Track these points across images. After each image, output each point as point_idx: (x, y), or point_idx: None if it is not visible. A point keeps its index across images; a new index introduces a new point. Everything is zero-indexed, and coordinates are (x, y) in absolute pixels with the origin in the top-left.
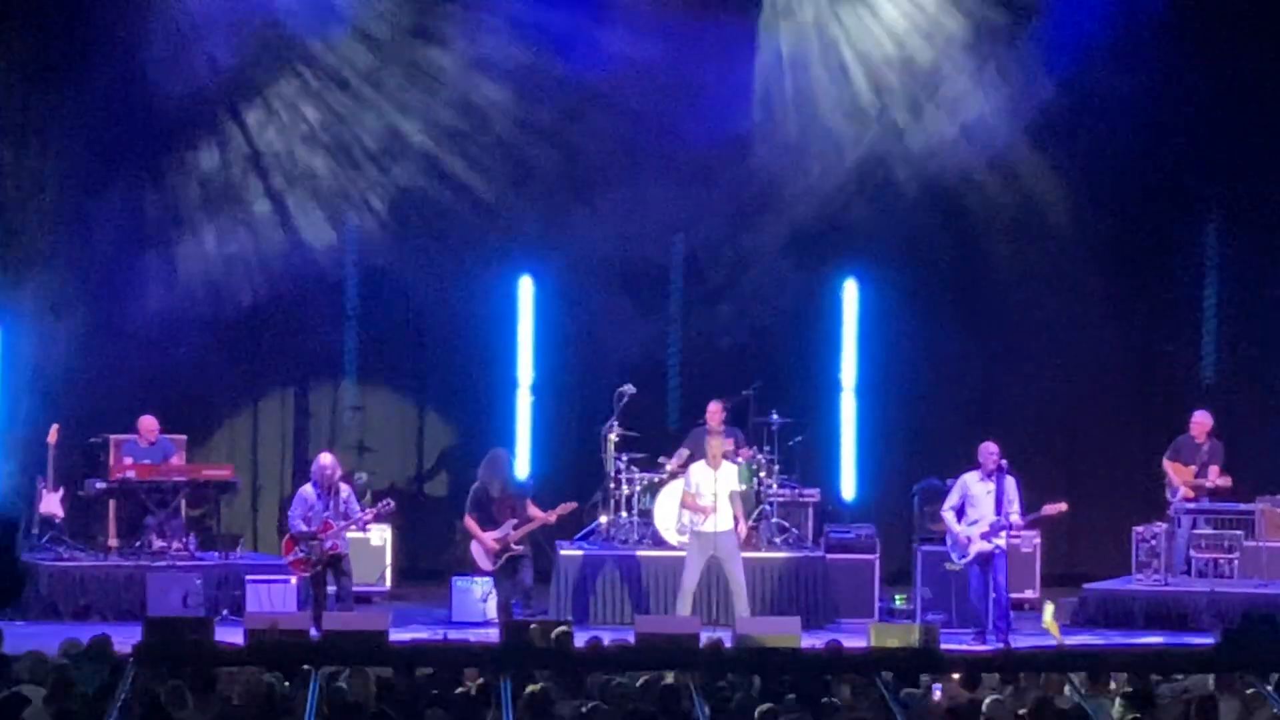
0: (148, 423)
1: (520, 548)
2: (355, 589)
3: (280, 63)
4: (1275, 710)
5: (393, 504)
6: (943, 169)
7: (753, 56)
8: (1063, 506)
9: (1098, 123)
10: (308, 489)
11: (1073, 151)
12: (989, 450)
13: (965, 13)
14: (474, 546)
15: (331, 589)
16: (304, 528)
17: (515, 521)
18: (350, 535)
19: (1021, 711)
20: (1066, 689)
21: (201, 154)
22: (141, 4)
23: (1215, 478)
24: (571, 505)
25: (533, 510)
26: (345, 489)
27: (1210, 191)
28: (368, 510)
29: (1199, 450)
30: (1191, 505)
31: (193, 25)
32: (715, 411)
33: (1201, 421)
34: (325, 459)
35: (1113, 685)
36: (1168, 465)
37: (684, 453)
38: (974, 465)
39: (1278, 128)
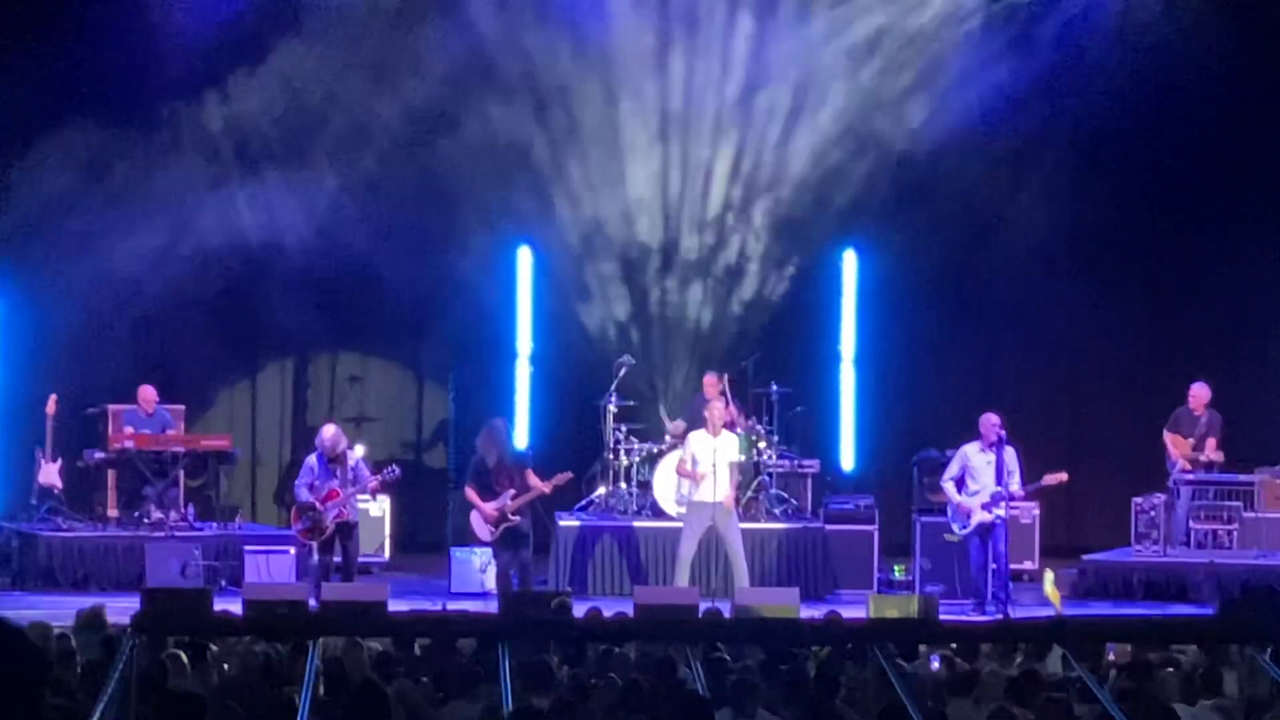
0: (147, 392)
1: (518, 518)
2: None
3: (271, 29)
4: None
5: (398, 470)
6: (943, 140)
7: (749, 23)
8: (1063, 476)
9: (1100, 96)
10: (312, 458)
11: (1076, 122)
12: (990, 421)
13: None
14: (473, 516)
15: (338, 559)
16: (308, 497)
17: (513, 492)
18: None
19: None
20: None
21: (197, 123)
22: None
23: (1211, 451)
24: (568, 475)
25: (531, 480)
26: (354, 456)
27: (1214, 166)
28: (374, 477)
29: (1197, 422)
30: (1191, 476)
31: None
32: (711, 383)
33: (1198, 393)
34: (328, 430)
35: (1111, 656)
36: (1167, 437)
37: (681, 423)
38: (974, 436)
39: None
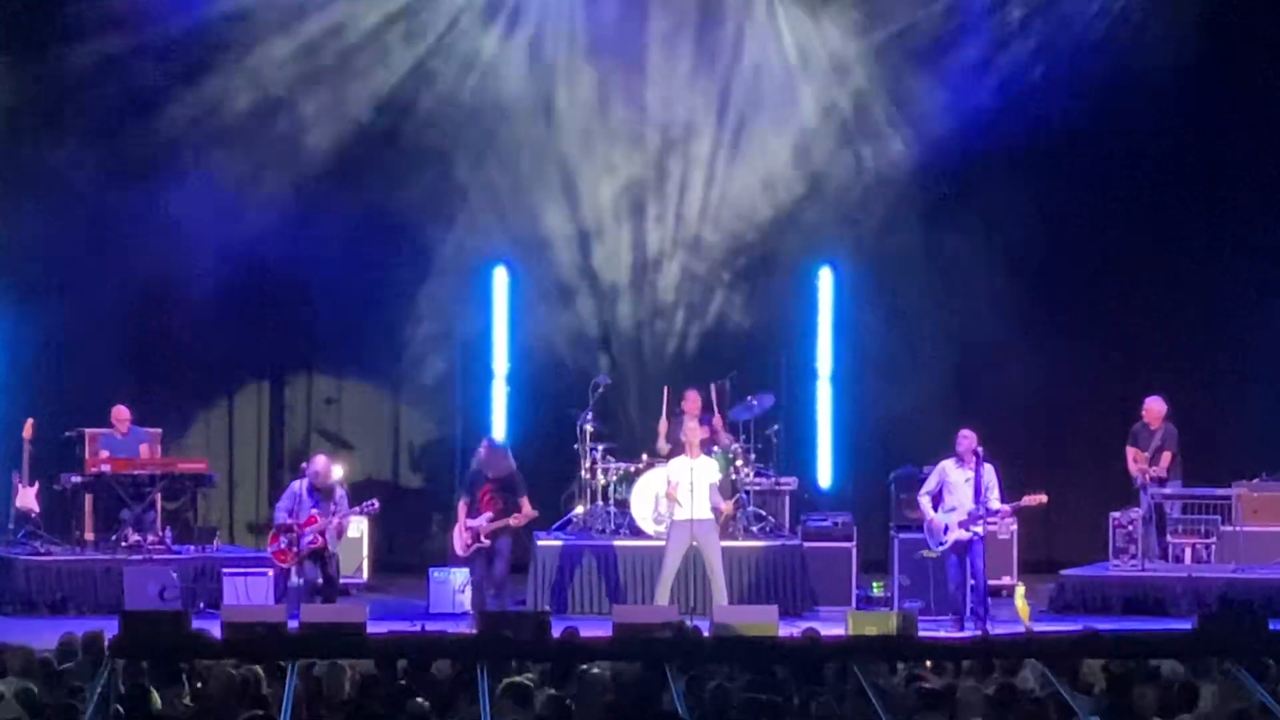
0: (120, 412)
1: (488, 541)
2: None
3: (243, 43)
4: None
5: (376, 504)
6: (917, 156)
7: (722, 40)
8: (1042, 498)
9: (1072, 107)
10: (299, 484)
11: (1050, 137)
12: (965, 437)
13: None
14: (455, 528)
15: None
16: (286, 519)
17: (490, 514)
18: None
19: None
20: (1029, 674)
21: (166, 142)
22: None
23: (1163, 465)
24: (533, 515)
25: (525, 506)
26: (340, 491)
27: (1188, 177)
28: (352, 510)
29: (1153, 436)
30: (1169, 490)
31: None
32: (693, 399)
33: (1151, 408)
34: (320, 461)
35: (1087, 670)
36: (1128, 452)
37: (665, 445)
38: (952, 452)
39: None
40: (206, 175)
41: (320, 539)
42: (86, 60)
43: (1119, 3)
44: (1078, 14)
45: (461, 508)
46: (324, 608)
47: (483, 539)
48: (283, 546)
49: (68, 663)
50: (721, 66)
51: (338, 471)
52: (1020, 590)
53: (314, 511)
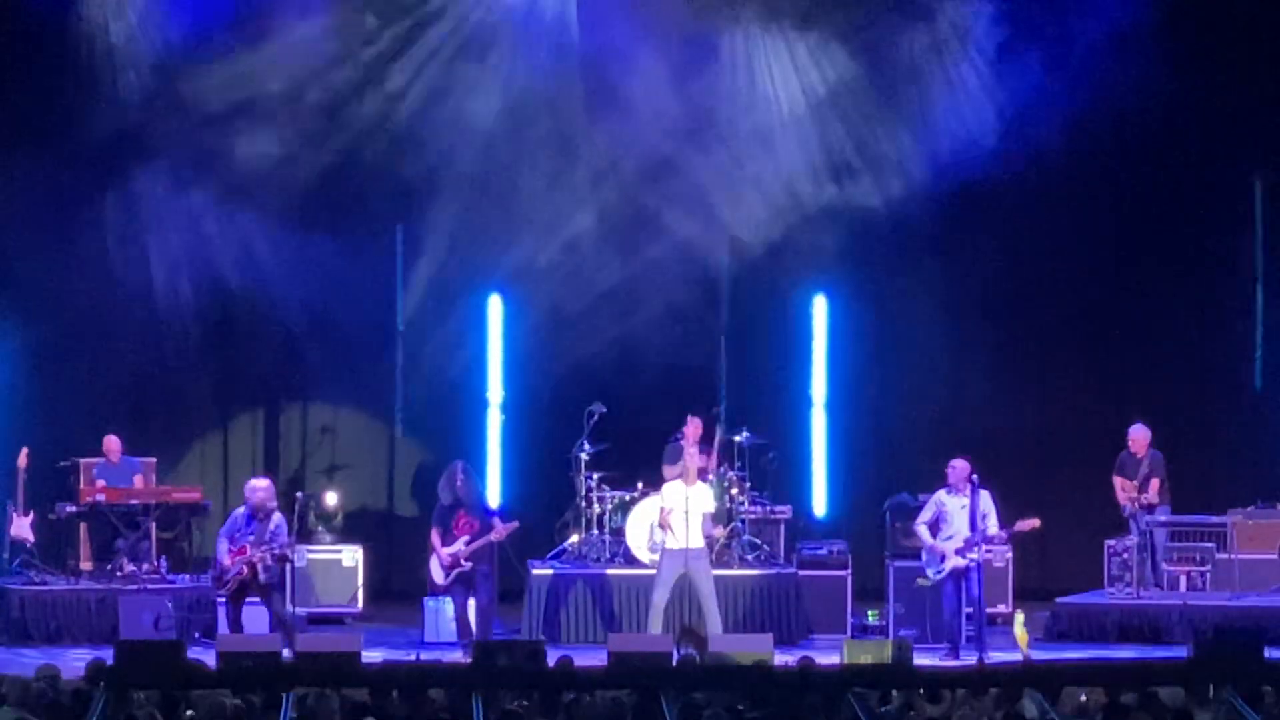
0: (111, 442)
1: (469, 564)
2: (326, 609)
3: (239, 75)
4: None
5: (289, 552)
6: (910, 186)
7: (714, 71)
8: (1035, 523)
9: (1067, 140)
10: (240, 510)
11: (1041, 170)
12: (956, 466)
13: (932, 28)
14: (432, 560)
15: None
16: (223, 546)
17: (467, 538)
18: (320, 557)
19: None
20: (1029, 702)
21: (162, 171)
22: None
23: (1152, 492)
24: (513, 525)
25: (497, 526)
26: (278, 518)
27: (1175, 206)
28: (287, 543)
29: (1139, 464)
30: (1163, 518)
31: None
32: (694, 426)
33: (1136, 436)
34: (256, 483)
35: (1084, 698)
36: (1115, 481)
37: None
38: (946, 481)
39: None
40: (201, 205)
41: (247, 571)
42: (79, 89)
43: (1100, 41)
44: (1059, 55)
45: (435, 538)
46: (318, 637)
47: (463, 562)
48: (214, 575)
49: (57, 693)
50: (714, 97)
51: (331, 496)
52: (1019, 618)
53: (249, 539)
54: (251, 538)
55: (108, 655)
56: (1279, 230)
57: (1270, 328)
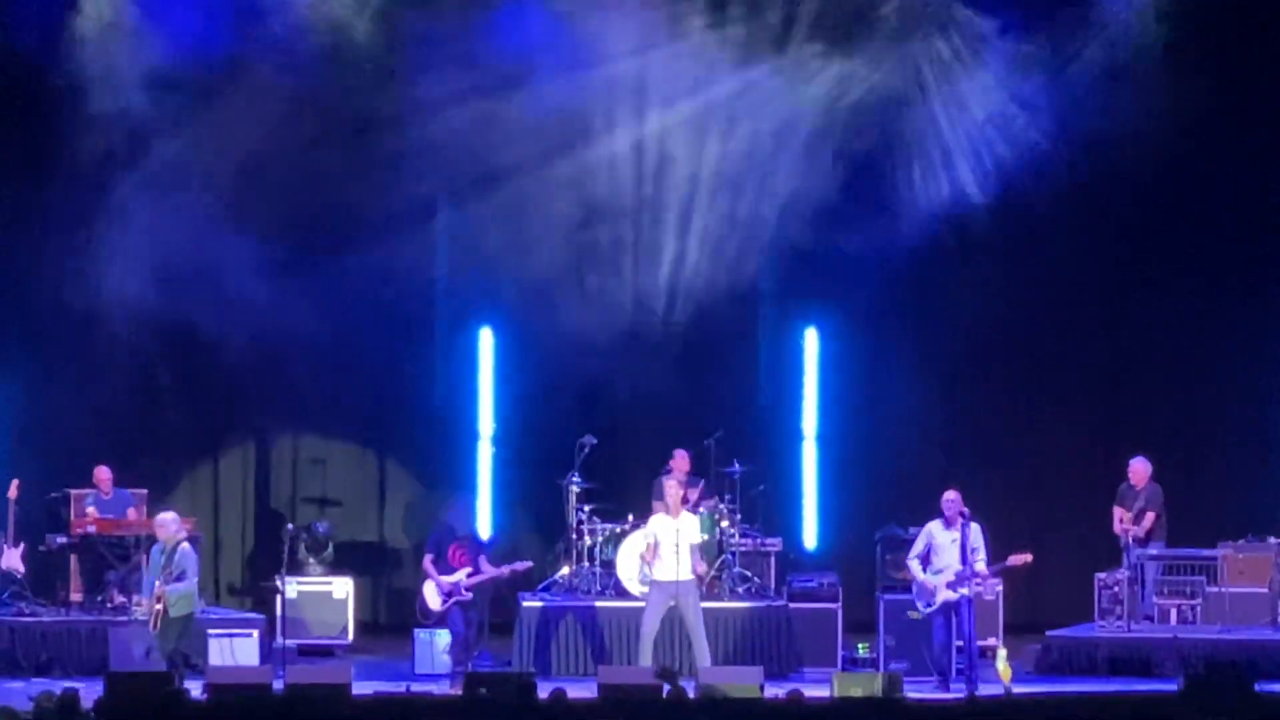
0: (102, 473)
1: (468, 595)
2: (317, 641)
3: (233, 103)
4: None
5: (156, 605)
6: (903, 217)
7: (711, 102)
8: (1028, 558)
9: (1061, 174)
10: (155, 548)
11: (1036, 204)
12: (949, 499)
13: (925, 58)
14: (426, 586)
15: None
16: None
17: (469, 569)
18: (312, 589)
19: None
20: None
21: (150, 202)
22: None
23: (1146, 524)
24: (527, 564)
25: (484, 565)
26: (183, 550)
27: (1172, 241)
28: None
29: (1137, 496)
30: (1154, 551)
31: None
32: (682, 459)
33: (1136, 468)
34: (162, 517)
35: None
36: (1115, 511)
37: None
38: (937, 514)
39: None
40: (191, 237)
41: (145, 603)
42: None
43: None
44: (1060, 91)
45: (429, 564)
46: (309, 668)
47: (463, 592)
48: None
49: None
50: (709, 128)
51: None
52: (1003, 653)
53: (160, 576)
54: (162, 575)
55: (93, 686)
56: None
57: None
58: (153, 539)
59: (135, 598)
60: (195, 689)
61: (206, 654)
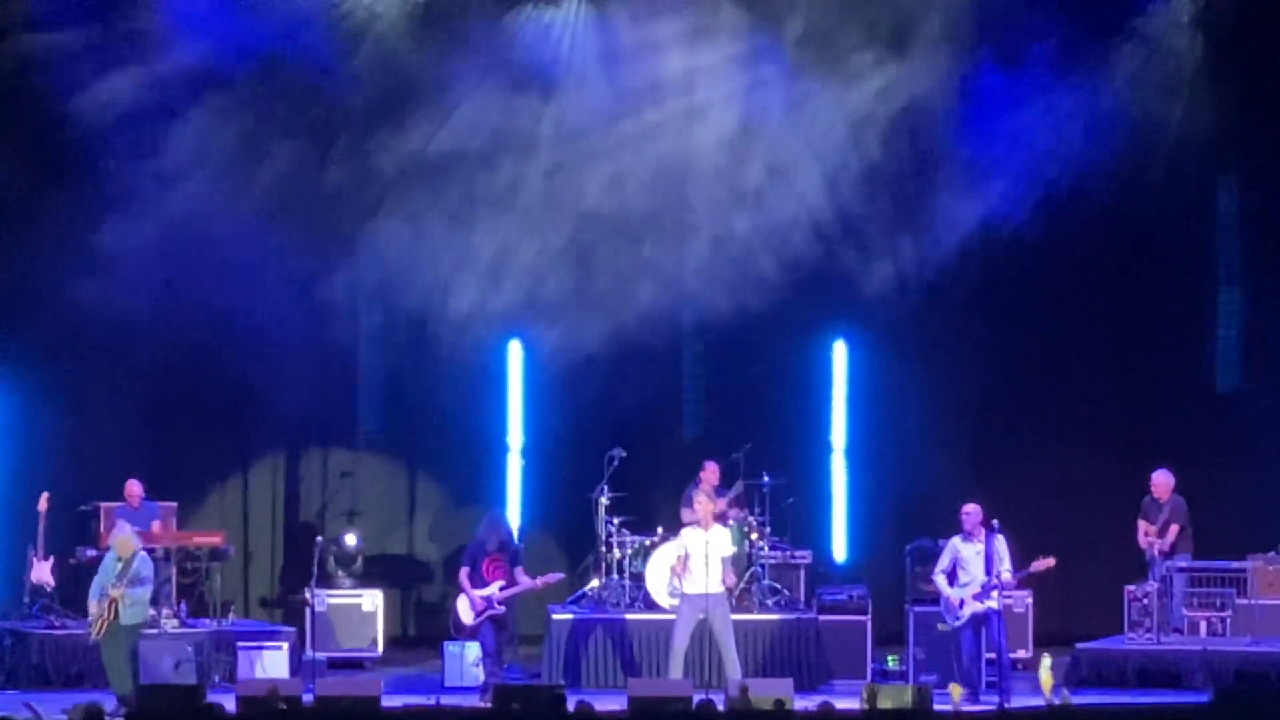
0: (132, 487)
1: (503, 608)
2: (346, 654)
3: (258, 114)
4: None
5: (107, 609)
6: (933, 230)
7: (739, 112)
8: (1051, 562)
9: (1088, 187)
10: (109, 555)
11: (1064, 215)
12: (968, 512)
13: (953, 71)
14: (459, 600)
15: None
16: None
17: (503, 582)
18: (341, 601)
19: None
20: None
21: (179, 215)
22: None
23: (1170, 537)
24: (559, 576)
25: (520, 576)
26: (144, 555)
27: (1199, 247)
28: (140, 583)
29: (1161, 509)
30: (1184, 564)
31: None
32: (713, 471)
33: (1159, 481)
34: (120, 531)
35: None
36: (1139, 525)
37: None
38: (961, 528)
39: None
40: (221, 252)
41: (109, 611)
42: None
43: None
44: (1096, 108)
45: (465, 578)
46: (338, 681)
47: (496, 605)
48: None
49: None
50: (738, 139)
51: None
52: (1046, 661)
53: (111, 582)
54: (118, 579)
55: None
56: None
57: None
58: (184, 550)
59: (164, 610)
60: (228, 702)
61: (236, 666)
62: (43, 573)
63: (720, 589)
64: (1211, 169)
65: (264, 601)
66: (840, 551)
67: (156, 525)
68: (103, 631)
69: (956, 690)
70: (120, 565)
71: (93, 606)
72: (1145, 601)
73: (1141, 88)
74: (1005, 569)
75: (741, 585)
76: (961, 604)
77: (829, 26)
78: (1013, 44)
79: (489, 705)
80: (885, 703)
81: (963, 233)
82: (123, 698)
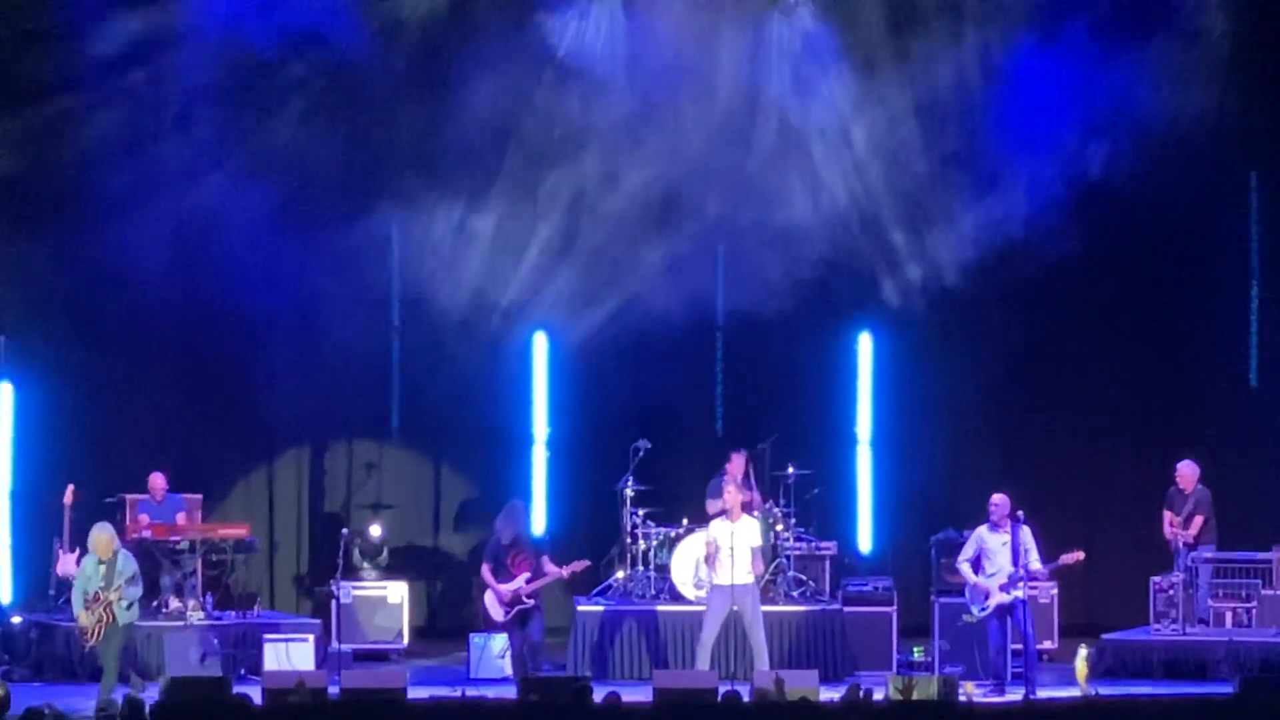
0: (156, 480)
1: (531, 601)
2: (372, 646)
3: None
4: None
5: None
6: (958, 224)
7: (765, 104)
8: (1080, 555)
9: (1119, 179)
10: (87, 559)
11: (1096, 203)
12: (996, 502)
13: (977, 68)
14: (486, 597)
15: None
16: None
17: (529, 575)
18: (367, 593)
19: None
20: None
21: (209, 206)
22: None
23: (1195, 528)
24: (585, 563)
25: (547, 565)
26: (126, 553)
27: (1228, 241)
28: (129, 585)
29: (1186, 499)
30: (1209, 555)
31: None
32: (739, 462)
33: (1184, 472)
34: (99, 531)
35: None
36: (1164, 515)
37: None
38: (986, 519)
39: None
40: (248, 243)
41: (88, 616)
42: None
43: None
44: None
45: (488, 574)
46: (363, 673)
47: (525, 599)
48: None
49: None
50: (762, 132)
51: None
52: (1082, 652)
53: (99, 587)
54: (110, 582)
55: (151, 692)
56: None
57: None
58: (209, 542)
59: (190, 603)
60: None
61: (262, 659)
62: (69, 565)
63: (748, 579)
64: (1245, 162)
65: (289, 594)
66: (865, 543)
67: (181, 517)
68: (99, 635)
69: (970, 687)
70: (104, 568)
71: (83, 617)
72: (1171, 592)
73: (1175, 82)
74: (1033, 559)
75: (768, 575)
76: (987, 594)
77: (861, 18)
78: (1047, 32)
79: (515, 697)
80: (911, 694)
81: (990, 225)
82: (107, 701)
